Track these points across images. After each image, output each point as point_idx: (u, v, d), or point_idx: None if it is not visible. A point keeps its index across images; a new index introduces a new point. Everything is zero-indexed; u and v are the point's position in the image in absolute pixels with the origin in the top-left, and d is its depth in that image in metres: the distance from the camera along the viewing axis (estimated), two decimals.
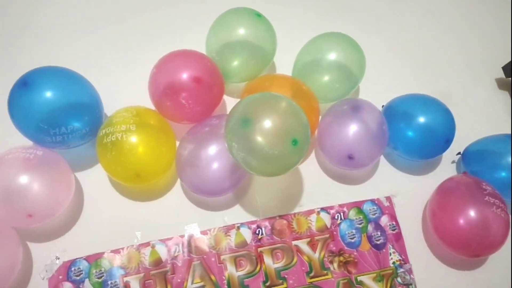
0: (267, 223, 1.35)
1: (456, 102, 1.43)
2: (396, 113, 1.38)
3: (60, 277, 1.21)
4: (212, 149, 1.23)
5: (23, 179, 1.08)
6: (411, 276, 1.35)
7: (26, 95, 1.08)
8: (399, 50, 1.67)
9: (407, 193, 1.43)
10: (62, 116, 1.11)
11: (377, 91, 1.46)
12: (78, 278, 1.22)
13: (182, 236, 1.30)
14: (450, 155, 1.48)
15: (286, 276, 1.30)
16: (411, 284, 1.34)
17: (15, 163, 1.09)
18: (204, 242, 1.30)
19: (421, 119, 1.33)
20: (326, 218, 1.37)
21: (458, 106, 1.46)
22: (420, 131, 1.33)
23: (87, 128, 1.18)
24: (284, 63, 1.50)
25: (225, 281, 1.27)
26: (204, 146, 1.23)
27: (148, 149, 1.17)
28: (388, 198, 1.42)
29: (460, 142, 1.43)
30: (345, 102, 1.36)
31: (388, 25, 1.73)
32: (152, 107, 1.31)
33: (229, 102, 1.47)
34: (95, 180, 1.33)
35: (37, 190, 1.09)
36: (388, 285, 1.32)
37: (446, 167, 1.49)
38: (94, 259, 1.24)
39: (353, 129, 1.27)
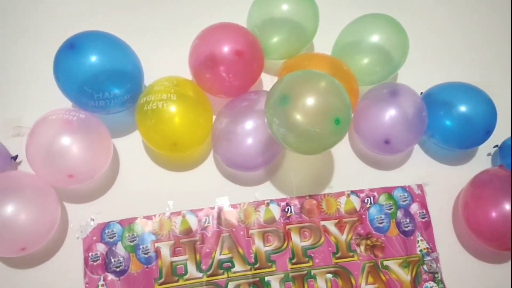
0: (296, 202, 1.36)
1: (497, 93, 1.39)
2: (435, 100, 1.36)
3: (94, 238, 1.25)
4: (249, 124, 1.23)
5: (66, 140, 1.11)
6: (438, 265, 1.34)
7: (73, 58, 1.10)
8: (444, 36, 1.61)
9: (439, 182, 1.42)
10: (106, 81, 1.13)
11: (416, 77, 1.43)
12: (111, 240, 1.25)
13: (212, 208, 1.32)
14: (486, 147, 1.45)
15: (312, 254, 1.31)
16: (437, 273, 1.34)
17: (58, 124, 1.12)
18: (233, 216, 1.32)
19: (462, 108, 1.30)
20: (355, 201, 1.37)
21: (498, 97, 1.41)
22: (460, 120, 1.30)
23: (128, 95, 1.19)
24: (323, 44, 1.48)
25: (252, 255, 1.29)
26: (241, 121, 1.23)
27: (186, 119, 1.19)
28: (420, 186, 1.41)
29: (497, 135, 1.39)
30: (385, 86, 1.34)
31: (435, 9, 1.66)
32: (190, 79, 1.32)
33: (266, 80, 1.46)
34: (131, 147, 1.35)
35: (78, 151, 1.12)
36: (414, 272, 1.33)
37: (481, 159, 1.46)
38: (127, 223, 1.27)
39: (392, 113, 1.25)
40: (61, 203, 1.23)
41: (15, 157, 1.26)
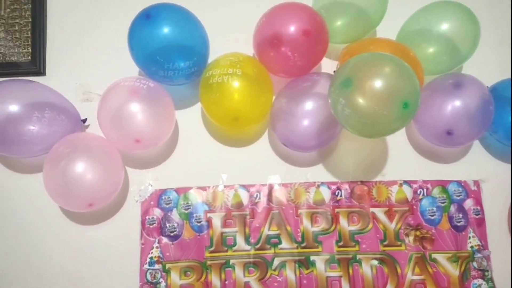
0: (347, 187, 1.36)
1: None
2: (501, 95, 1.31)
3: (152, 202, 1.32)
4: (309, 105, 1.24)
5: (135, 106, 1.17)
6: (489, 263, 1.32)
7: (148, 27, 1.14)
8: None
9: (497, 180, 1.38)
10: (177, 52, 1.17)
11: (483, 70, 1.38)
12: (167, 206, 1.31)
13: (264, 185, 1.35)
14: None
15: (359, 240, 1.32)
16: (487, 271, 1.31)
17: (129, 90, 1.17)
18: (284, 194, 1.35)
19: None
20: (408, 191, 1.36)
21: None
22: None
23: (194, 68, 1.23)
24: (387, 30, 1.45)
25: (300, 234, 1.32)
26: (301, 101, 1.24)
27: (249, 95, 1.21)
28: (476, 183, 1.38)
29: None
30: (451, 76, 1.31)
31: None
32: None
33: (325, 64, 1.45)
34: (190, 120, 1.40)
35: (146, 118, 1.17)
36: (463, 268, 1.31)
37: None
38: (183, 192, 1.33)
39: (457, 104, 1.23)
40: (124, 167, 1.29)
41: (84, 120, 1.33)
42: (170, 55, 1.16)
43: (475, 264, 1.31)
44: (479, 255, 1.32)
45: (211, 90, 1.21)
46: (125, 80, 1.19)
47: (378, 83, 1.00)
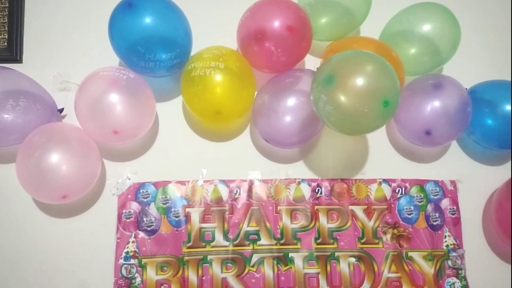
0: (327, 184, 1.37)
1: None
2: (480, 98, 1.33)
3: (129, 196, 1.29)
4: (291, 101, 1.24)
5: (114, 97, 1.14)
6: (463, 261, 1.34)
7: (130, 16, 1.11)
8: (497, 32, 1.56)
9: (473, 180, 1.40)
10: (159, 43, 1.15)
11: (462, 72, 1.40)
12: (145, 200, 1.29)
13: (244, 181, 1.34)
14: None
15: (338, 237, 1.33)
16: (461, 269, 1.34)
17: (109, 80, 1.15)
18: (264, 190, 1.34)
19: (507, 107, 1.28)
20: (386, 190, 1.37)
21: None
22: (503, 119, 1.28)
23: (176, 60, 1.21)
24: (370, 29, 1.46)
25: (279, 230, 1.31)
26: (283, 97, 1.24)
27: (232, 89, 1.20)
28: (453, 182, 1.40)
29: None
30: (431, 77, 1.33)
31: (492, 2, 1.60)
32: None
33: (309, 61, 1.45)
34: (171, 113, 1.37)
35: (125, 109, 1.15)
36: (438, 266, 1.33)
37: None
38: (161, 186, 1.30)
39: (436, 104, 1.24)
40: (101, 159, 1.26)
41: (61, 110, 1.29)
42: (151, 46, 1.14)
43: (450, 262, 1.34)
44: (454, 254, 1.34)
45: (193, 83, 1.19)
46: (104, 70, 1.17)
47: (359, 81, 1.00)
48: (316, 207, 1.34)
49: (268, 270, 1.28)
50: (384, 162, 1.41)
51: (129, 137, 1.19)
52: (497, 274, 1.35)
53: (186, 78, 1.21)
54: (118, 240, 1.25)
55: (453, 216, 1.37)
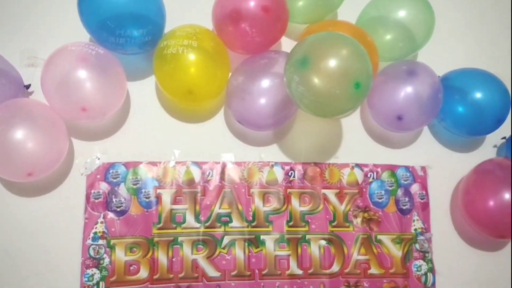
0: (300, 168, 1.37)
1: None
2: (451, 85, 1.35)
3: (98, 176, 1.26)
4: (265, 83, 1.23)
5: (82, 73, 1.11)
6: (430, 245, 1.37)
7: None
8: (472, 21, 1.59)
9: (442, 166, 1.43)
10: (130, 19, 1.11)
11: (436, 59, 1.42)
12: (114, 180, 1.26)
13: (217, 163, 1.33)
14: (493, 139, 1.47)
15: (309, 220, 1.33)
16: (428, 252, 1.37)
17: (77, 56, 1.11)
18: (237, 173, 1.33)
19: (477, 95, 1.30)
20: (359, 174, 1.39)
21: None
22: (473, 107, 1.31)
23: (148, 37, 1.18)
24: (347, 14, 1.46)
25: (251, 213, 1.31)
26: (258, 79, 1.23)
27: (205, 69, 1.18)
28: (423, 168, 1.43)
29: (506, 127, 1.40)
30: (404, 63, 1.34)
31: None
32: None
33: (285, 43, 1.44)
34: (143, 92, 1.34)
35: (94, 86, 1.11)
36: (406, 249, 1.36)
37: (487, 149, 1.48)
38: (132, 166, 1.28)
39: (408, 90, 1.26)
40: (69, 138, 1.23)
41: (28, 86, 1.25)
42: (122, 21, 1.10)
43: (417, 246, 1.37)
44: (421, 237, 1.37)
45: (165, 61, 1.16)
46: (72, 45, 1.13)
47: (332, 62, 1.00)
48: (288, 190, 1.35)
49: (239, 252, 1.28)
50: (357, 147, 1.42)
51: (98, 115, 1.16)
52: (463, 257, 1.40)
53: (158, 56, 1.19)
54: (86, 221, 1.22)
55: (422, 201, 1.40)
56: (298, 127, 1.39)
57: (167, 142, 1.33)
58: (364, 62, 1.02)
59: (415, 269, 1.35)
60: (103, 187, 1.26)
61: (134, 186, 1.27)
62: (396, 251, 1.35)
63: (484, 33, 1.59)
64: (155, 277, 1.22)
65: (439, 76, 1.38)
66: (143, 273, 1.21)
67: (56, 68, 1.11)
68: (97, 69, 1.11)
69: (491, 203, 1.25)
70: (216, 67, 1.21)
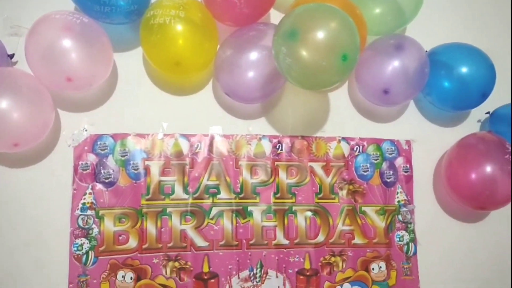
0: (288, 141, 1.38)
1: (502, 62, 1.41)
2: (438, 60, 1.37)
3: (86, 148, 1.26)
4: (253, 55, 1.22)
5: (67, 42, 1.09)
6: (412, 216, 1.42)
7: None
8: None
9: (427, 140, 1.46)
10: None
11: (424, 34, 1.42)
12: (102, 152, 1.26)
13: (205, 135, 1.34)
14: (477, 114, 1.50)
15: (296, 192, 1.36)
16: (410, 223, 1.41)
17: (61, 24, 1.09)
18: (225, 145, 1.34)
19: (463, 69, 1.32)
20: (345, 148, 1.41)
21: (502, 66, 1.44)
22: (459, 81, 1.33)
23: (134, 6, 1.16)
24: None
25: (239, 185, 1.33)
26: (246, 51, 1.22)
27: (193, 40, 1.17)
28: (408, 142, 1.45)
29: (491, 102, 1.42)
30: (392, 36, 1.34)
31: None
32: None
33: (274, 16, 1.43)
34: (131, 64, 1.33)
35: (79, 55, 1.10)
36: (389, 220, 1.40)
37: (471, 124, 1.51)
38: (120, 138, 1.28)
39: (395, 64, 1.27)
40: (55, 109, 1.22)
41: (12, 56, 1.22)
42: None
43: (400, 217, 1.41)
44: (404, 209, 1.41)
45: (151, 32, 1.15)
46: (56, 13, 1.10)
47: (320, 34, 1.00)
48: (276, 163, 1.36)
49: (227, 223, 1.30)
50: (344, 121, 1.44)
51: (84, 85, 1.15)
52: (443, 228, 1.45)
53: (145, 26, 1.17)
54: (74, 192, 1.23)
55: (406, 174, 1.43)
56: (286, 100, 1.40)
57: (155, 115, 1.32)
58: (352, 34, 1.02)
59: (398, 239, 1.40)
60: (91, 158, 1.26)
61: (122, 158, 1.27)
62: (380, 222, 1.39)
63: (472, 8, 1.60)
64: (144, 246, 1.24)
65: (426, 51, 1.39)
66: (132, 243, 1.24)
67: (40, 37, 1.09)
68: (82, 38, 1.10)
69: (473, 175, 1.29)
70: (204, 39, 1.20)
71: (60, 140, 1.26)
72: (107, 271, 1.21)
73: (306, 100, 1.41)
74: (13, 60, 1.24)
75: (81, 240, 1.21)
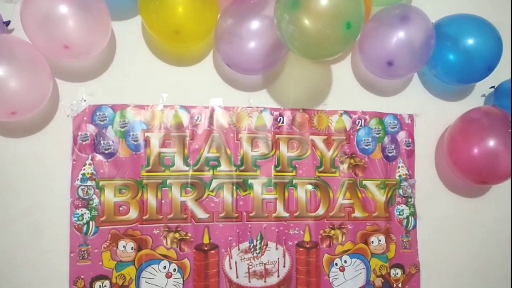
0: (289, 114, 1.37)
1: (508, 35, 1.38)
2: (444, 32, 1.33)
3: (85, 118, 1.25)
4: (255, 24, 1.19)
5: (64, 8, 1.06)
6: (413, 190, 1.41)
7: None
8: None
9: (430, 115, 1.45)
10: None
11: (431, 4, 1.39)
12: (102, 123, 1.25)
13: (206, 107, 1.32)
14: (482, 88, 1.47)
15: (297, 165, 1.35)
16: (410, 197, 1.41)
17: None
18: (226, 118, 1.33)
19: (470, 42, 1.29)
20: (347, 121, 1.39)
21: (508, 39, 1.40)
22: (465, 54, 1.30)
23: None
24: None
25: (239, 157, 1.32)
26: (247, 21, 1.19)
27: (192, 8, 1.14)
28: (411, 116, 1.44)
29: (496, 76, 1.40)
30: (398, 6, 1.30)
31: None
32: None
33: None
34: (129, 33, 1.30)
35: (76, 22, 1.07)
36: (389, 194, 1.40)
37: (476, 99, 1.49)
38: (119, 109, 1.26)
39: (400, 35, 1.23)
40: (53, 79, 1.20)
41: (7, 23, 1.20)
42: None
43: (400, 191, 1.41)
44: (405, 183, 1.41)
45: None
46: None
47: (324, 1, 0.97)
48: (277, 136, 1.35)
49: (227, 195, 1.30)
50: (346, 94, 1.42)
51: (82, 53, 1.13)
52: (444, 202, 1.45)
53: None
54: (74, 162, 1.22)
55: (407, 148, 1.42)
56: (288, 72, 1.38)
57: (155, 85, 1.30)
58: (356, 2, 0.99)
59: (397, 213, 1.40)
60: (90, 129, 1.24)
61: (122, 129, 1.26)
62: (380, 196, 1.39)
63: None
64: (144, 217, 1.24)
65: (432, 23, 1.36)
66: (133, 214, 1.24)
67: (36, 4, 1.06)
68: (79, 4, 1.07)
69: (475, 149, 1.28)
70: (204, 7, 1.17)
71: (59, 110, 1.25)
72: (108, 241, 1.22)
73: (308, 73, 1.38)
74: (9, 28, 1.21)
75: (81, 210, 1.21)
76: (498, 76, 1.41)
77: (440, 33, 1.32)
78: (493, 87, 1.44)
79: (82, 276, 1.19)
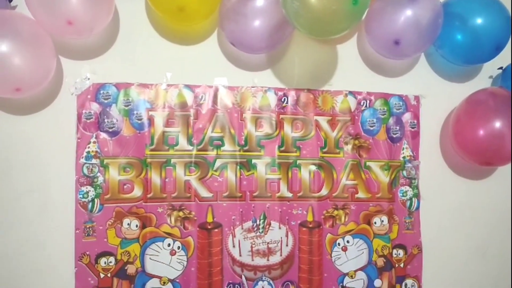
0: (293, 94, 1.36)
1: None
2: (453, 11, 1.31)
3: (89, 96, 1.24)
4: (260, 2, 1.17)
5: None
6: (417, 172, 1.41)
7: None
8: None
9: (436, 96, 1.43)
10: None
11: None
12: (106, 101, 1.25)
13: (210, 87, 1.31)
14: (489, 69, 1.45)
15: (301, 146, 1.35)
16: (414, 179, 1.41)
17: None
18: (230, 97, 1.32)
19: (478, 21, 1.26)
20: (352, 102, 1.38)
21: None
22: (473, 33, 1.27)
23: None
24: None
25: (243, 137, 1.32)
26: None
27: None
28: (417, 98, 1.42)
29: (504, 58, 1.38)
30: None
31: None
32: None
33: None
34: (133, 11, 1.29)
35: None
36: (393, 176, 1.39)
37: (483, 80, 1.47)
38: (123, 87, 1.26)
39: (408, 14, 1.21)
40: (57, 56, 1.19)
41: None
42: None
43: (404, 173, 1.41)
44: (409, 165, 1.41)
45: None
46: None
47: None
48: (281, 116, 1.35)
49: (231, 175, 1.30)
50: (351, 74, 1.41)
51: (85, 30, 1.12)
52: (448, 184, 1.44)
53: None
54: (79, 140, 1.23)
55: (412, 130, 1.42)
56: (292, 52, 1.36)
57: (159, 64, 1.30)
58: None
59: (401, 194, 1.40)
60: (94, 107, 1.24)
61: (126, 108, 1.26)
62: (384, 177, 1.39)
63: None
64: (148, 196, 1.25)
65: (440, 1, 1.33)
66: (137, 192, 1.25)
67: None
68: None
69: (481, 131, 1.27)
70: None
71: (63, 88, 1.25)
72: (113, 219, 1.23)
73: (313, 52, 1.37)
74: (12, 4, 1.20)
75: (86, 188, 1.22)
76: (506, 57, 1.39)
77: (448, 12, 1.30)
78: (501, 68, 1.42)
79: (87, 252, 1.21)
